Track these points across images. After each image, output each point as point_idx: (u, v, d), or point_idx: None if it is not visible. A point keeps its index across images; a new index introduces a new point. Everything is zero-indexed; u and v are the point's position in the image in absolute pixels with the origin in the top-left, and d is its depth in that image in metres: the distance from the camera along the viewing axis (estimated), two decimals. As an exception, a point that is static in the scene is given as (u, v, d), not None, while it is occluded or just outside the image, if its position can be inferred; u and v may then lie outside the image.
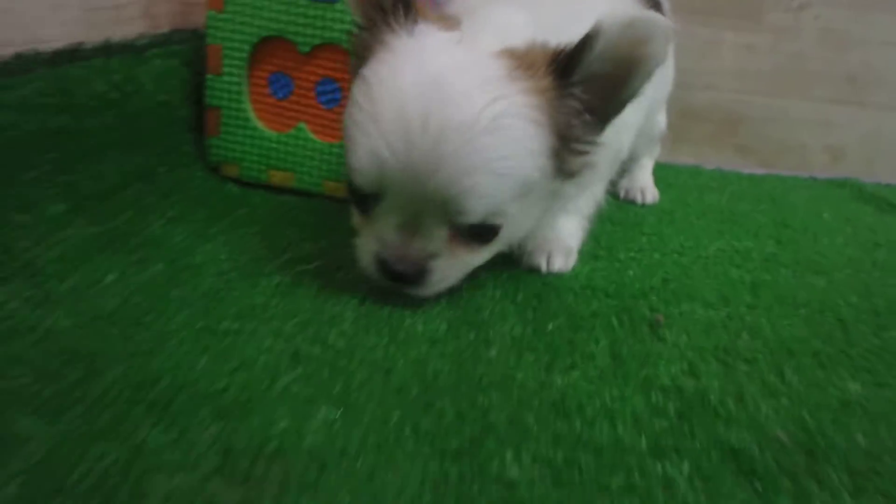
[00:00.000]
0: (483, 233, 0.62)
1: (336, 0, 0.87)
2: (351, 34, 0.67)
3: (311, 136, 0.92)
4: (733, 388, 0.57)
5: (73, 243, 0.66)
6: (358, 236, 0.66)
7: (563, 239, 0.79)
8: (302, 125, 0.92)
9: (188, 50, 0.94)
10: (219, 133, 0.93)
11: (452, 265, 0.63)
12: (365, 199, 0.62)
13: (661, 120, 1.09)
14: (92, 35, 0.76)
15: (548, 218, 0.74)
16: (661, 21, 0.57)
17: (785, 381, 0.59)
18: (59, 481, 0.41)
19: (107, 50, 0.76)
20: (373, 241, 0.63)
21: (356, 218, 0.66)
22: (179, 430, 0.45)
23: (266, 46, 0.90)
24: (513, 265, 0.77)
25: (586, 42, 0.58)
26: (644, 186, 1.10)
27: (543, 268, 0.76)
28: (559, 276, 0.76)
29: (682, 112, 1.30)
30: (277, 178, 0.94)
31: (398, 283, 0.63)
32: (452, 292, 0.68)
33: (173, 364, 0.52)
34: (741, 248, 0.91)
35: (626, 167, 1.08)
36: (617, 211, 1.01)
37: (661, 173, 1.25)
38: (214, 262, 0.71)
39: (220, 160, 0.94)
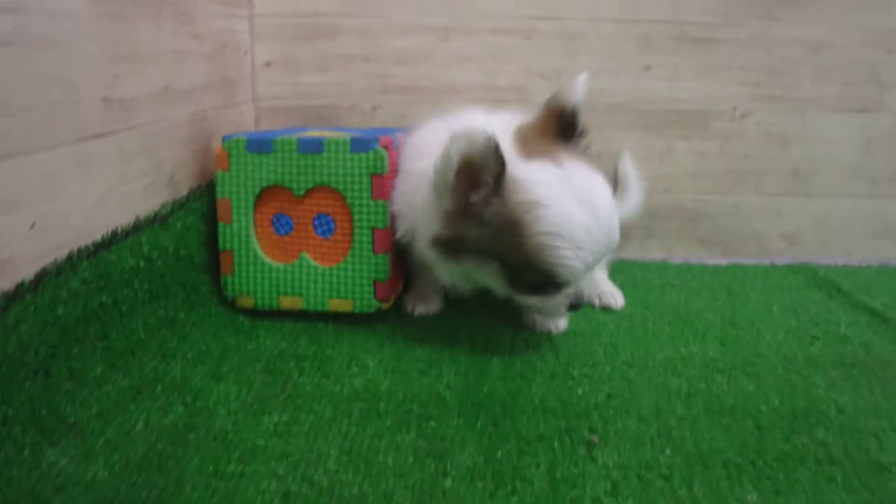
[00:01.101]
0: None
1: (322, 150, 1.03)
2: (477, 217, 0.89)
3: (313, 262, 1.08)
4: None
5: (109, 398, 0.81)
6: (533, 306, 0.97)
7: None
8: (304, 255, 1.08)
9: (203, 204, 1.10)
10: (233, 272, 1.09)
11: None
12: (549, 288, 0.91)
13: None
14: (127, 217, 0.92)
15: None
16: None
17: (692, 493, 0.71)
18: None
19: (136, 227, 0.92)
20: (561, 300, 0.93)
21: (534, 300, 0.95)
22: (193, 570, 0.59)
23: (267, 193, 1.07)
24: (480, 390, 0.91)
25: (577, 114, 0.93)
26: (612, 292, 1.23)
27: (554, 331, 1.08)
28: (515, 399, 0.89)
29: (647, 213, 1.44)
30: (287, 302, 1.09)
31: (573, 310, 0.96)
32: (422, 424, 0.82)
33: (189, 509, 0.66)
34: (686, 354, 1.03)
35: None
36: (582, 320, 1.15)
37: (632, 271, 1.39)
38: (226, 402, 0.85)
39: (236, 294, 1.10)
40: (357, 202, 1.04)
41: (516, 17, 1.36)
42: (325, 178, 1.04)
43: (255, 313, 1.10)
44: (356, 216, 1.05)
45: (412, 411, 0.85)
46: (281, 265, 1.08)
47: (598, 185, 0.89)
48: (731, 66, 1.39)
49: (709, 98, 1.40)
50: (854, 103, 1.41)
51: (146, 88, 0.95)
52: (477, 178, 0.85)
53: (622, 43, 1.37)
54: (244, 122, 1.33)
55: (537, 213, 0.85)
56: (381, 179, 1.03)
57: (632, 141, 1.40)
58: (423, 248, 0.97)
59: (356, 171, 1.03)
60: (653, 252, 1.47)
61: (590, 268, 0.90)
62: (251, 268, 1.08)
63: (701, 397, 0.91)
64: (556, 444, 0.79)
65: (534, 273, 0.88)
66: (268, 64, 1.37)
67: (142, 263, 0.91)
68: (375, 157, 1.02)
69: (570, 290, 0.92)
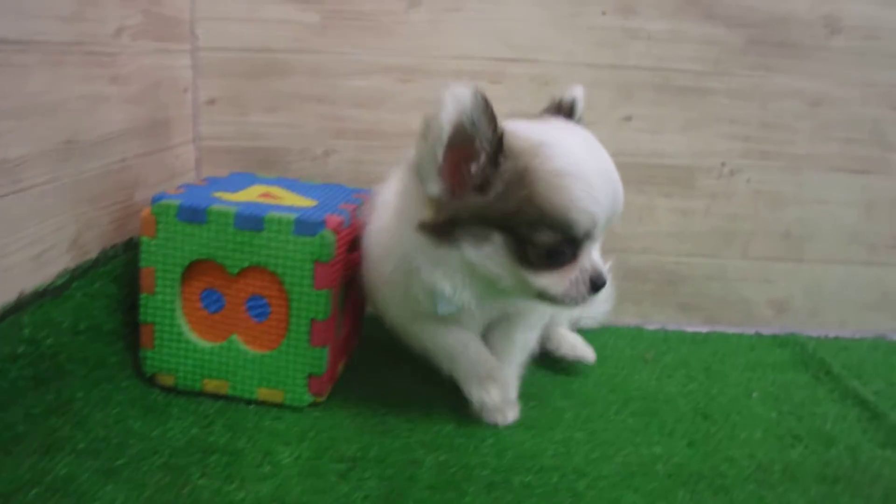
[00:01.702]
0: None
1: (262, 229, 0.92)
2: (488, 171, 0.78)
3: (244, 346, 0.97)
4: None
5: (-37, 516, 0.70)
6: (546, 291, 0.81)
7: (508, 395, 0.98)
8: (234, 337, 0.97)
9: (118, 265, 0.99)
10: (153, 346, 0.97)
11: None
12: (564, 251, 0.79)
13: None
14: (6, 295, 0.80)
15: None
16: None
17: None
18: None
19: (18, 307, 0.81)
20: (577, 276, 0.80)
21: (547, 279, 0.80)
22: None
23: (198, 266, 0.95)
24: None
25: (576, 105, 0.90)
26: (584, 344, 1.14)
27: (501, 422, 0.96)
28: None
29: (622, 274, 1.32)
30: (211, 386, 0.97)
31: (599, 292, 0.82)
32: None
33: None
34: (648, 458, 0.91)
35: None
36: (536, 406, 1.03)
37: (602, 338, 1.27)
38: (108, 512, 0.74)
39: (156, 371, 0.98)
40: (296, 289, 0.93)
41: (485, 59, 1.24)
42: (263, 259, 0.93)
43: (173, 390, 0.99)
44: (294, 304, 0.94)
45: (318, 536, 0.74)
46: (208, 345, 0.97)
47: (596, 141, 0.82)
48: (721, 118, 1.27)
49: (695, 153, 1.28)
50: (855, 163, 1.29)
51: (39, 145, 0.84)
52: (469, 146, 0.75)
53: (601, 90, 1.25)
54: (181, 165, 1.21)
55: (545, 152, 0.76)
56: (326, 268, 0.92)
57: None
58: (410, 249, 0.85)
59: (298, 256, 0.92)
60: (627, 317, 1.35)
61: (603, 224, 0.79)
62: (174, 344, 0.97)
63: (657, 524, 0.79)
64: None
65: (545, 230, 0.76)
66: (211, 101, 1.25)
67: (21, 348, 0.80)
68: (321, 242, 0.91)
69: (587, 263, 0.80)
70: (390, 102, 1.24)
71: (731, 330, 1.34)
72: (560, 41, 1.23)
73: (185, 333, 0.97)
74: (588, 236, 0.79)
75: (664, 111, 1.26)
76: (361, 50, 1.23)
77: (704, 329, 1.34)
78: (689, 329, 1.34)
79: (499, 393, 0.96)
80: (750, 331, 1.34)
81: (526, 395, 1.03)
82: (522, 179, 0.75)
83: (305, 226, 0.91)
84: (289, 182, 1.13)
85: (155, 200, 0.93)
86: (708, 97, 1.26)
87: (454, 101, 0.72)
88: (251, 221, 0.92)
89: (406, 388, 1.05)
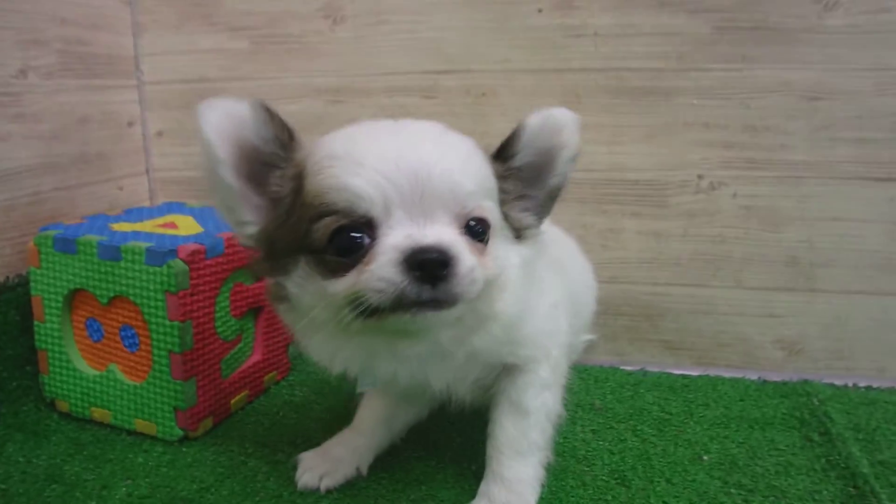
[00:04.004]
0: (478, 228, 0.65)
1: (120, 259, 0.91)
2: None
3: (121, 375, 0.96)
4: None
5: None
6: (349, 292, 0.62)
7: (519, 493, 0.77)
8: (112, 366, 0.97)
9: (20, 294, 1.02)
10: (48, 372, 1.00)
11: (471, 260, 0.61)
12: (354, 237, 0.61)
13: None
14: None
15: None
16: (569, 114, 0.68)
17: None
18: None
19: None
20: (382, 258, 0.59)
21: (348, 278, 0.62)
22: None
23: (78, 295, 0.97)
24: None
25: (514, 135, 0.69)
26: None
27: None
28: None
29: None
30: (98, 414, 0.98)
31: (427, 286, 0.59)
32: None
33: None
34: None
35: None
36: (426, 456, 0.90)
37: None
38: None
39: (53, 396, 1.01)
40: (153, 321, 0.91)
41: (414, 74, 1.15)
42: (124, 288, 0.92)
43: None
44: (154, 336, 0.92)
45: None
46: (93, 373, 0.98)
47: (433, 135, 0.66)
48: (692, 123, 1.07)
49: (662, 165, 1.09)
50: (875, 169, 1.02)
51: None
52: (266, 160, 0.66)
53: (543, 98, 1.10)
54: (126, 197, 1.24)
55: (319, 145, 0.66)
56: (179, 299, 0.89)
57: (565, 218, 1.12)
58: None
59: (151, 287, 0.90)
60: (601, 354, 1.17)
61: (401, 197, 0.60)
62: (64, 371, 0.99)
63: None
64: None
65: (322, 218, 0.61)
66: (159, 134, 1.28)
67: None
68: (170, 272, 0.89)
69: (393, 240, 0.60)
70: (323, 126, 1.18)
71: (729, 374, 1.11)
72: (493, 47, 1.11)
73: (72, 361, 0.98)
74: (385, 213, 0.60)
75: (621, 118, 1.08)
76: (290, 73, 1.20)
77: (696, 372, 1.12)
78: (678, 371, 1.13)
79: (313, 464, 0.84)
80: (753, 375, 1.10)
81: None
82: (300, 180, 0.64)
83: (156, 255, 0.89)
84: (209, 211, 1.12)
85: (41, 231, 0.96)
86: (673, 98, 1.06)
87: (225, 112, 0.63)
88: (110, 251, 0.92)
89: (306, 438, 0.95)
